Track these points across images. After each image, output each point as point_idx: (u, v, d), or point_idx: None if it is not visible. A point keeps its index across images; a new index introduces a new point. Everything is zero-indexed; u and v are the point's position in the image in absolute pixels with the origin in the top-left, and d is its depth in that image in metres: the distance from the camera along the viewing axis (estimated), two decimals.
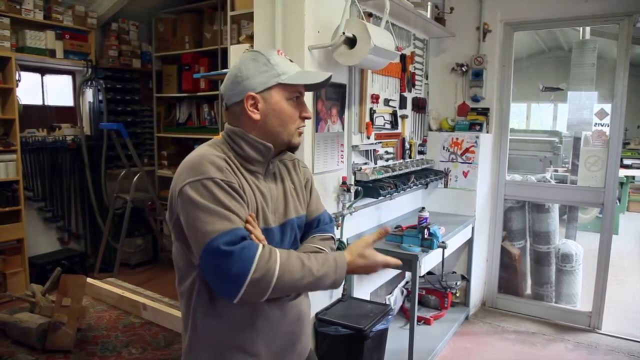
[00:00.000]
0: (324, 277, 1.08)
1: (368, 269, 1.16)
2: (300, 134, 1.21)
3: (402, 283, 3.45)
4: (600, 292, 3.31)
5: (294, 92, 1.17)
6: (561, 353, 3.04)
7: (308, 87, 1.21)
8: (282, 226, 1.19)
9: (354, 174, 2.64)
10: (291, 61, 1.18)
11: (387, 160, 3.00)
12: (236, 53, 2.76)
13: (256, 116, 1.13)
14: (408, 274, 3.44)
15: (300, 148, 1.25)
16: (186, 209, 1.04)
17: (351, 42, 2.19)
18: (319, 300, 2.40)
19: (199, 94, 4.42)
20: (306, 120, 1.22)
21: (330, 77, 1.21)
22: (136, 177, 4.25)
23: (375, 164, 2.86)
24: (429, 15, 3.08)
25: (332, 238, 1.30)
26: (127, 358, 2.84)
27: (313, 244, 1.24)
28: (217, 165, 1.07)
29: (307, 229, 1.29)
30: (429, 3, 3.09)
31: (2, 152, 3.59)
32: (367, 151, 2.78)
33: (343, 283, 1.13)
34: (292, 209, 1.23)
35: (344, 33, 2.16)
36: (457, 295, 3.47)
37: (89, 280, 3.59)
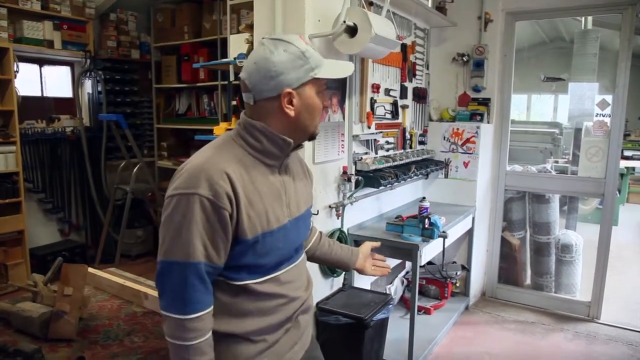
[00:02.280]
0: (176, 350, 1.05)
1: None
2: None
3: (403, 273, 3.46)
4: (600, 282, 3.33)
5: (324, 84, 1.15)
6: (560, 342, 3.07)
7: None
8: (296, 220, 1.20)
9: (355, 163, 2.63)
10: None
11: (387, 150, 2.99)
12: (236, 42, 2.73)
13: (291, 112, 1.10)
14: (408, 264, 3.45)
15: None
16: (164, 214, 1.06)
17: (352, 31, 2.17)
18: (320, 290, 2.41)
19: (198, 84, 4.40)
20: None
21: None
22: (136, 168, 4.24)
23: (376, 153, 2.86)
24: (430, 4, 3.06)
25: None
26: (129, 346, 2.86)
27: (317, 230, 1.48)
28: (214, 181, 1.02)
29: None
30: None
31: (2, 144, 3.58)
32: (367, 141, 2.77)
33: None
34: (303, 202, 1.24)
35: (344, 22, 2.14)
36: (457, 285, 3.49)
37: (90, 270, 3.59)
